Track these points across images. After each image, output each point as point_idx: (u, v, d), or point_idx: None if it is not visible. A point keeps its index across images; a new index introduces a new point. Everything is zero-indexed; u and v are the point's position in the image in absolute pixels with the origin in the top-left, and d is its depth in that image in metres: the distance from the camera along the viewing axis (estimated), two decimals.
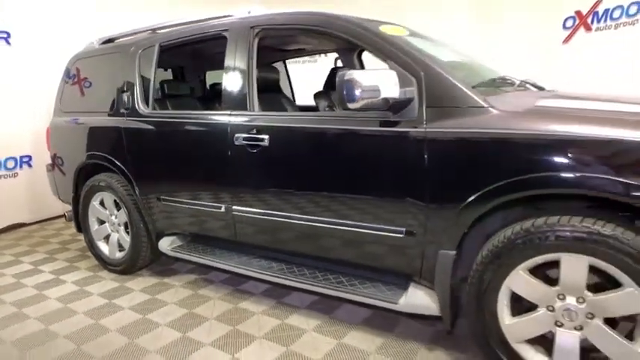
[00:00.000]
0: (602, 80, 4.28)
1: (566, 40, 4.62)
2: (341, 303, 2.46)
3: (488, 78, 2.06)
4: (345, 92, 1.70)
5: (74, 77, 3.34)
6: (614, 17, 4.19)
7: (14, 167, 4.45)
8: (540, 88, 2.29)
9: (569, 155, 1.48)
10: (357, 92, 1.69)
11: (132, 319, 2.44)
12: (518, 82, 2.15)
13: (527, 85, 2.28)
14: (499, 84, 2.03)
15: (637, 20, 3.99)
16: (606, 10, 4.24)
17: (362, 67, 3.35)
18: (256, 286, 2.76)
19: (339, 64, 3.35)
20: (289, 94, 3.93)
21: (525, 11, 4.84)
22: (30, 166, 4.53)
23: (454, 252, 1.76)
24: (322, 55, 4.38)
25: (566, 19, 4.61)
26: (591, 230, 1.47)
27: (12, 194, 4.39)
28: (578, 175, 1.46)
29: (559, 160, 1.50)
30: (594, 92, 2.23)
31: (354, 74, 1.70)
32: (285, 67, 3.93)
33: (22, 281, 3.06)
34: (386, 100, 1.74)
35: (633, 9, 4.05)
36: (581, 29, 4.49)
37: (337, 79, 1.73)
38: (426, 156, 1.75)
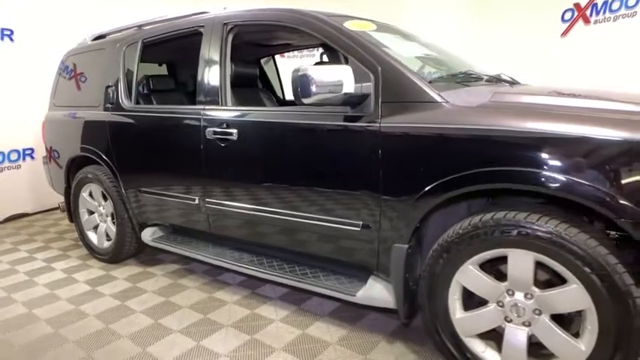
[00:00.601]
0: (601, 73, 4.19)
1: (565, 33, 4.54)
2: (311, 295, 2.51)
3: (452, 73, 2.05)
4: (299, 88, 1.73)
5: (67, 72, 3.44)
6: (613, 9, 4.09)
7: (17, 159, 4.61)
8: (514, 82, 2.27)
9: (507, 150, 1.49)
10: (312, 88, 1.72)
11: (110, 306, 2.53)
12: (487, 77, 2.14)
13: (504, 79, 2.27)
14: (462, 79, 2.02)
15: (636, 12, 3.88)
16: (605, 2, 4.15)
17: (347, 62, 3.34)
18: (234, 277, 2.83)
19: (325, 58, 3.36)
20: (278, 89, 3.95)
21: (524, 4, 4.76)
22: (32, 158, 4.68)
23: (407, 246, 1.77)
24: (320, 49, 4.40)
25: (564, 12, 4.53)
26: (534, 227, 1.47)
27: (15, 185, 4.55)
28: (514, 169, 1.47)
29: (498, 155, 1.51)
30: (575, 87, 2.20)
31: (308, 70, 1.72)
32: (274, 62, 3.96)
33: (16, 267, 3.20)
34: (341, 95, 1.76)
35: (632, 0, 3.95)
36: (580, 22, 4.40)
37: (292, 74, 1.76)
38: (379, 151, 1.77)
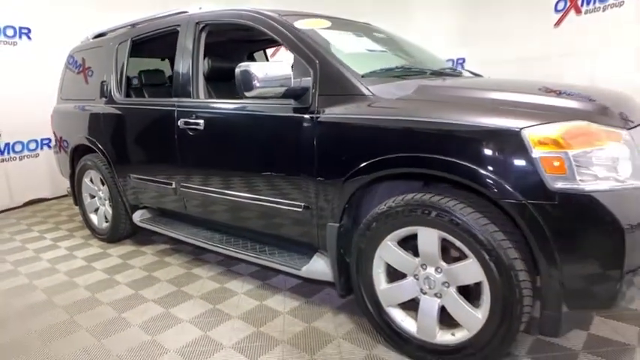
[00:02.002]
0: (591, 64, 4.19)
1: (558, 23, 4.53)
2: (278, 272, 2.73)
3: (388, 67, 2.20)
4: (241, 82, 1.94)
5: (71, 68, 3.77)
6: None
7: (36, 148, 5.04)
8: (458, 76, 2.40)
9: (410, 138, 1.66)
10: (253, 82, 1.92)
11: (99, 279, 2.84)
12: (430, 71, 2.28)
13: (464, 72, 2.41)
14: (399, 73, 2.17)
15: (623, 2, 3.86)
16: None
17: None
18: (214, 256, 3.08)
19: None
20: None
21: None
22: (49, 147, 5.08)
23: (338, 224, 1.96)
24: None
25: (557, 2, 4.51)
26: (436, 207, 1.63)
27: (34, 172, 4.98)
28: (415, 155, 1.63)
29: (403, 142, 1.68)
30: (512, 81, 2.32)
31: (250, 66, 1.93)
32: (266, 56, 4.17)
33: (26, 245, 3.57)
34: (280, 89, 1.96)
35: None
36: (572, 12, 4.39)
37: (236, 69, 1.96)
38: (315, 139, 1.96)
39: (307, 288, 2.54)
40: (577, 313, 1.54)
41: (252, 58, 4.08)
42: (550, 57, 4.60)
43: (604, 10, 4.06)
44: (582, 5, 4.27)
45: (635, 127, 1.62)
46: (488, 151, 1.51)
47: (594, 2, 4.15)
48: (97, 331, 2.19)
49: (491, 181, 1.49)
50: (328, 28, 2.33)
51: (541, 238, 1.44)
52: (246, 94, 1.95)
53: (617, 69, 3.97)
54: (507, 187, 1.46)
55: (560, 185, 1.40)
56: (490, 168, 1.49)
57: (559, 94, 1.70)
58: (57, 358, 1.99)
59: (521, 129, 1.45)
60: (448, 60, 5.88)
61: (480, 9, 5.22)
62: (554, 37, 4.55)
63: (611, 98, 1.82)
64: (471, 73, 2.77)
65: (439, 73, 2.33)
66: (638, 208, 1.47)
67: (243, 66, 1.93)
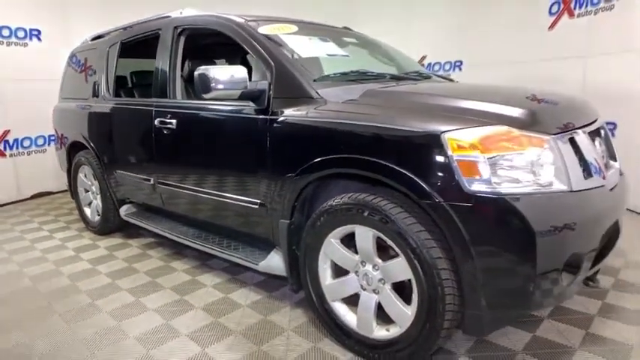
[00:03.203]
0: (582, 67, 4.15)
1: (552, 26, 4.50)
2: (247, 268, 2.81)
3: (348, 72, 2.27)
4: (199, 85, 2.04)
5: (73, 67, 3.96)
6: (594, 2, 4.02)
7: (43, 144, 5.29)
8: (418, 80, 2.46)
9: (345, 140, 1.74)
10: (211, 84, 2.03)
11: (83, 268, 3.01)
12: (389, 75, 2.35)
13: (434, 77, 2.49)
14: (354, 77, 2.24)
15: (613, 5, 3.81)
16: None
17: None
18: (192, 251, 3.20)
19: None
20: None
21: None
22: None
23: (288, 221, 2.05)
24: None
25: (552, 5, 4.48)
26: (369, 206, 1.70)
27: (41, 167, 5.23)
28: (348, 156, 1.71)
29: (340, 144, 1.76)
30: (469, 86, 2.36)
31: (208, 70, 2.03)
32: None
33: (24, 236, 3.79)
34: (236, 92, 2.06)
35: None
36: (565, 15, 4.35)
37: (195, 72, 2.07)
38: (268, 139, 2.06)
39: (272, 283, 2.63)
40: (500, 312, 1.58)
41: (246, 60, 4.19)
42: (544, 60, 4.57)
43: (595, 13, 4.01)
44: (575, 8, 4.23)
45: (568, 131, 1.66)
46: (411, 154, 1.57)
47: (586, 5, 4.11)
48: (69, 317, 2.34)
49: (413, 182, 1.55)
50: (293, 34, 2.42)
51: (458, 238, 1.49)
52: (204, 95, 2.05)
53: (607, 72, 3.93)
54: (427, 188, 1.52)
55: (475, 187, 1.46)
56: (413, 170, 1.55)
57: (495, 101, 1.73)
58: (27, 339, 2.14)
59: (441, 133, 1.51)
60: (446, 62, 5.92)
61: (477, 12, 5.22)
62: (548, 40, 4.52)
63: (560, 102, 1.87)
64: (442, 77, 2.81)
65: (400, 78, 2.39)
66: (560, 211, 1.51)
67: (201, 69, 2.04)
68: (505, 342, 1.98)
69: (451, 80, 2.80)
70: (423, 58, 6.13)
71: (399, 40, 6.18)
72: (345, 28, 3.27)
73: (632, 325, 2.06)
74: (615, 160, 2.09)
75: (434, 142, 1.52)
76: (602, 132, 2.08)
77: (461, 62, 5.72)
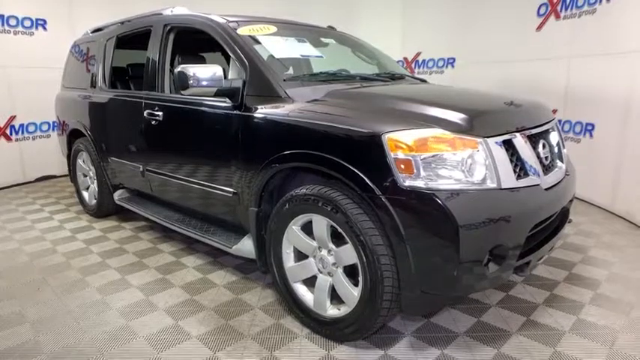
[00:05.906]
0: (565, 68, 4.26)
1: (539, 27, 4.60)
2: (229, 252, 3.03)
3: (318, 72, 2.45)
4: (177, 81, 2.23)
5: (76, 57, 4.17)
6: (578, 5, 4.12)
7: (48, 130, 5.54)
8: (422, 81, 2.63)
9: (302, 136, 1.91)
10: (189, 81, 2.21)
11: (77, 248, 3.24)
12: (358, 77, 2.52)
13: (407, 78, 2.65)
14: (323, 78, 2.41)
15: (595, 10, 3.91)
16: None
17: None
18: (180, 235, 3.43)
19: None
20: None
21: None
22: None
23: (257, 209, 2.25)
24: None
25: (540, 6, 4.58)
26: (322, 197, 1.88)
27: (46, 151, 5.48)
28: (303, 151, 1.89)
29: (297, 140, 1.94)
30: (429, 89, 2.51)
31: (186, 68, 2.21)
32: None
33: (26, 216, 4.04)
34: (212, 89, 2.24)
35: None
36: (552, 17, 4.45)
37: (174, 70, 2.26)
38: (240, 134, 2.24)
39: (249, 266, 2.84)
40: (431, 294, 1.76)
41: None
42: (531, 60, 4.69)
43: (579, 16, 4.11)
44: (561, 11, 4.33)
45: (503, 134, 1.82)
46: (357, 151, 1.75)
47: (572, 8, 4.20)
48: (60, 290, 2.57)
49: (358, 177, 1.73)
50: (272, 34, 2.59)
51: (394, 228, 1.67)
52: (182, 92, 2.24)
53: (589, 74, 4.03)
54: (369, 182, 1.70)
55: (409, 183, 1.63)
56: (358, 166, 1.73)
57: (441, 105, 1.89)
58: (20, 308, 2.37)
59: (382, 134, 1.68)
60: (440, 59, 6.03)
61: (471, 11, 5.33)
62: (535, 41, 4.62)
63: (507, 106, 2.03)
64: (416, 78, 2.96)
65: (369, 79, 2.56)
66: (487, 207, 1.68)
67: (180, 67, 2.22)
68: (450, 324, 2.16)
69: (424, 82, 2.95)
70: (418, 54, 6.26)
71: (395, 37, 6.33)
72: (330, 27, 3.43)
73: (570, 314, 2.23)
74: (562, 162, 2.24)
75: (375, 141, 1.69)
76: (553, 134, 2.24)
77: (454, 59, 5.84)
